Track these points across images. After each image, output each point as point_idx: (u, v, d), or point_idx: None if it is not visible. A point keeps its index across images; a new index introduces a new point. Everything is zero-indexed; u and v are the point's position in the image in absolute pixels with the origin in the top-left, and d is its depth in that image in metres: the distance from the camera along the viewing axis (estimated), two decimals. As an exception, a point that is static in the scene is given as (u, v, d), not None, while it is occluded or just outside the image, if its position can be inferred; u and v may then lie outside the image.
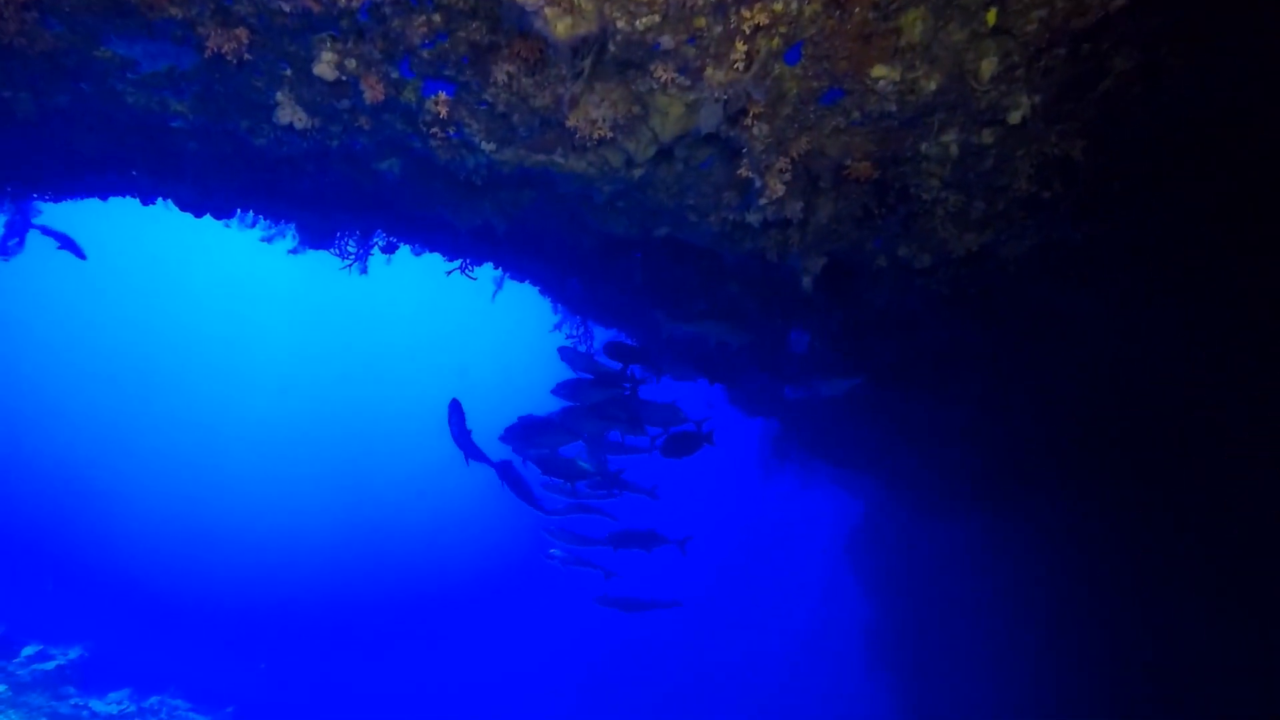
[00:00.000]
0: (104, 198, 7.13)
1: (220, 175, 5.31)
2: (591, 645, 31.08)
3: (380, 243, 8.06)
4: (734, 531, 33.91)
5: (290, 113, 3.93)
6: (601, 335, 9.78)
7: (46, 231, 9.96)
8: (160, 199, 6.38)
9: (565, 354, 8.36)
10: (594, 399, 8.10)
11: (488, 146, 4.13)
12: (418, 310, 47.26)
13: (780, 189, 3.90)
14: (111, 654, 15.74)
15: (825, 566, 25.31)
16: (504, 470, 8.26)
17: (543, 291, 9.96)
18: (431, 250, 8.28)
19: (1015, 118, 4.14)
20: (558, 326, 10.36)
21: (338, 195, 6.01)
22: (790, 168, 3.88)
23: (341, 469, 44.58)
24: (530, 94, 3.70)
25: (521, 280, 9.52)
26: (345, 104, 3.92)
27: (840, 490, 17.80)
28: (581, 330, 10.27)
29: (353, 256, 8.02)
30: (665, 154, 4.26)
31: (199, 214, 6.22)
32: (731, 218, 4.55)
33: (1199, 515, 8.81)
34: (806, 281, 5.03)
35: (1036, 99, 4.12)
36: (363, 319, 47.65)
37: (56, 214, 8.39)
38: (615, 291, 8.63)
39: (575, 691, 29.70)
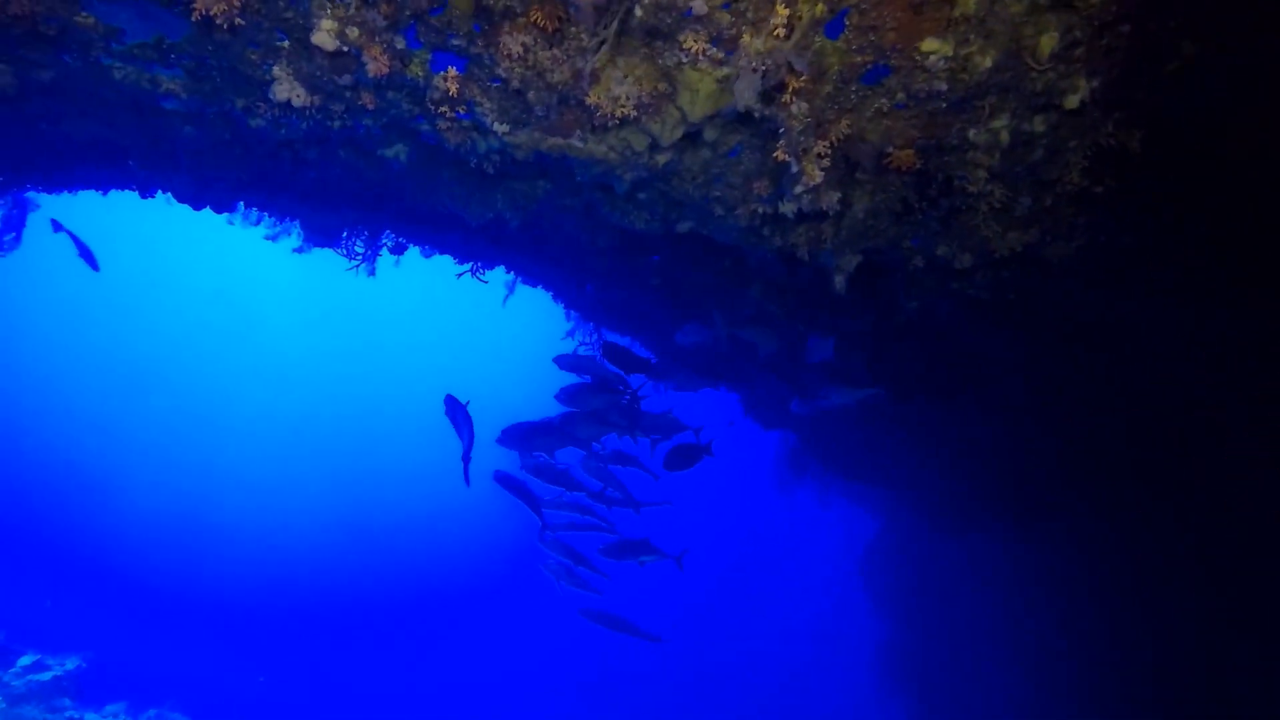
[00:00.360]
0: (103, 191, 6.89)
1: (218, 163, 5.03)
2: (592, 645, 30.67)
3: (389, 243, 7.79)
4: (739, 541, 33.56)
5: (288, 89, 3.63)
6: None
7: (72, 237, 9.83)
8: (159, 191, 6.13)
9: (562, 361, 8.13)
10: (595, 404, 7.87)
11: (501, 128, 3.83)
12: (423, 309, 47.01)
13: (818, 175, 3.57)
14: (110, 664, 15.45)
15: (834, 580, 24.97)
16: (503, 478, 8.02)
17: (555, 297, 9.70)
18: (442, 251, 8.02)
19: (1072, 102, 3.82)
20: (570, 334, 10.11)
21: (342, 187, 5.72)
22: (829, 152, 3.56)
23: (342, 473, 44.32)
24: (548, 68, 3.40)
25: (534, 284, 9.25)
26: (347, 79, 3.62)
27: (856, 505, 17.46)
28: (594, 338, 10.04)
29: (360, 257, 7.75)
30: (692, 139, 3.96)
31: (198, 206, 5.95)
32: (761, 210, 4.22)
33: (1238, 534, 8.41)
34: (839, 281, 4.70)
35: (1095, 83, 3.80)
36: (367, 318, 47.43)
37: (55, 207, 8.18)
38: (630, 296, 8.33)
39: (575, 691, 29.39)
